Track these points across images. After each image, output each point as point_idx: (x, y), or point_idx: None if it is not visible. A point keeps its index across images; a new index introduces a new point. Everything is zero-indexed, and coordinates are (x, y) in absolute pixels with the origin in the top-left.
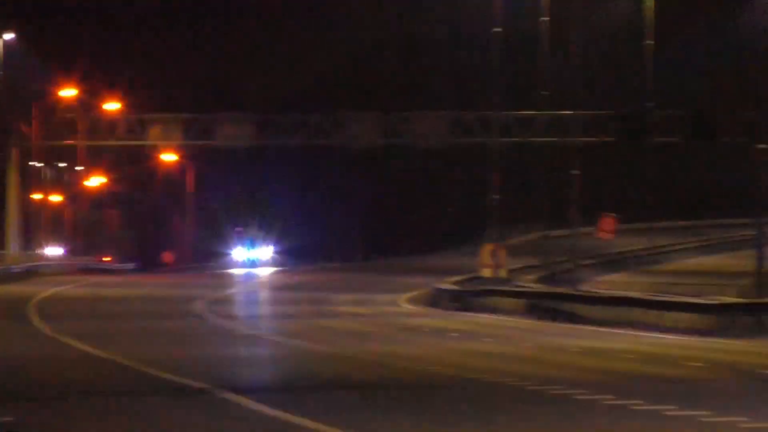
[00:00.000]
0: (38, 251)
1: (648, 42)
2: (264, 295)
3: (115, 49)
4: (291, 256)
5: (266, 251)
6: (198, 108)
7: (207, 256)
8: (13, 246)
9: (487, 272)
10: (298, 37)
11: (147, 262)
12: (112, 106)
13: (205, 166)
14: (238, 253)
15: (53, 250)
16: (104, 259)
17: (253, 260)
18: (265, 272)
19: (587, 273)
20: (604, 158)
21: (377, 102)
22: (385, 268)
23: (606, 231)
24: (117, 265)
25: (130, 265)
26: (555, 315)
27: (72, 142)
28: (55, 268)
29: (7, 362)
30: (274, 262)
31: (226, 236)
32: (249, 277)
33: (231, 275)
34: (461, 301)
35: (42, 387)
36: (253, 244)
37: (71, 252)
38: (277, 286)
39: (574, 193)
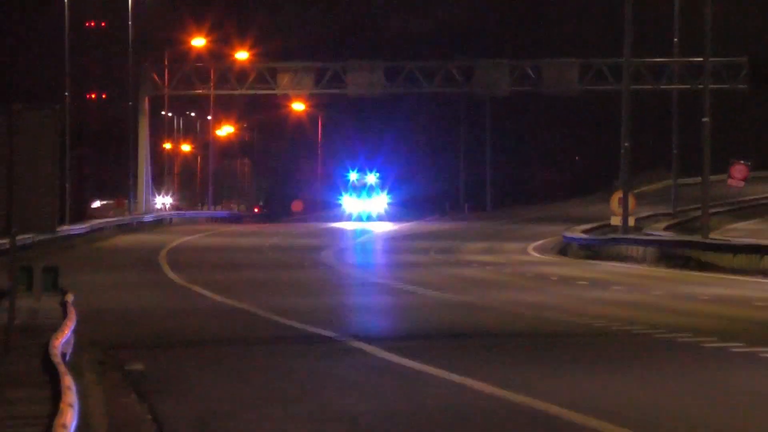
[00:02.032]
0: (154, 201)
1: None
2: (392, 244)
3: None
4: (407, 207)
5: (380, 202)
6: (328, 54)
7: (321, 206)
8: (145, 195)
9: (616, 220)
10: None
11: (275, 210)
12: (242, 55)
13: (335, 114)
14: (350, 204)
15: (165, 200)
16: (236, 208)
17: (366, 213)
18: (378, 227)
19: (717, 221)
20: (736, 105)
21: (507, 48)
22: (514, 216)
23: (737, 178)
24: (245, 214)
25: (258, 214)
26: (685, 263)
27: (202, 91)
28: (185, 218)
29: (140, 312)
30: (387, 216)
31: (341, 186)
32: (361, 233)
33: (335, 229)
34: (590, 249)
35: (174, 336)
36: (367, 193)
37: (189, 202)
38: (405, 236)
39: (705, 140)
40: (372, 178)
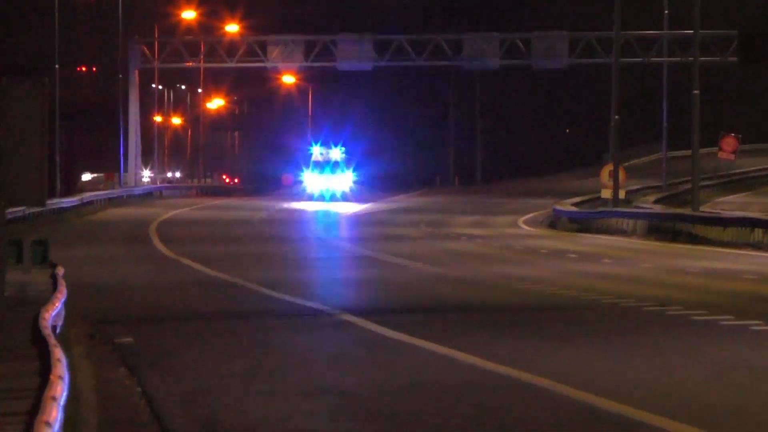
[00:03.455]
0: (141, 174)
1: None
2: (383, 217)
3: None
4: (384, 184)
5: (344, 180)
6: (318, 27)
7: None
8: (134, 169)
9: (606, 193)
10: None
11: (265, 184)
12: (232, 28)
13: (324, 87)
14: (312, 181)
15: (144, 173)
16: (226, 180)
17: (330, 192)
18: (343, 208)
19: (708, 194)
20: (726, 78)
21: (496, 21)
22: (504, 190)
23: (727, 151)
24: (235, 187)
25: (249, 188)
26: (675, 236)
27: (192, 64)
28: (175, 191)
29: (130, 285)
30: (353, 196)
31: (303, 161)
32: (324, 215)
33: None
34: (580, 222)
35: (163, 310)
36: (331, 169)
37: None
38: (395, 209)
39: (695, 113)
40: (336, 153)
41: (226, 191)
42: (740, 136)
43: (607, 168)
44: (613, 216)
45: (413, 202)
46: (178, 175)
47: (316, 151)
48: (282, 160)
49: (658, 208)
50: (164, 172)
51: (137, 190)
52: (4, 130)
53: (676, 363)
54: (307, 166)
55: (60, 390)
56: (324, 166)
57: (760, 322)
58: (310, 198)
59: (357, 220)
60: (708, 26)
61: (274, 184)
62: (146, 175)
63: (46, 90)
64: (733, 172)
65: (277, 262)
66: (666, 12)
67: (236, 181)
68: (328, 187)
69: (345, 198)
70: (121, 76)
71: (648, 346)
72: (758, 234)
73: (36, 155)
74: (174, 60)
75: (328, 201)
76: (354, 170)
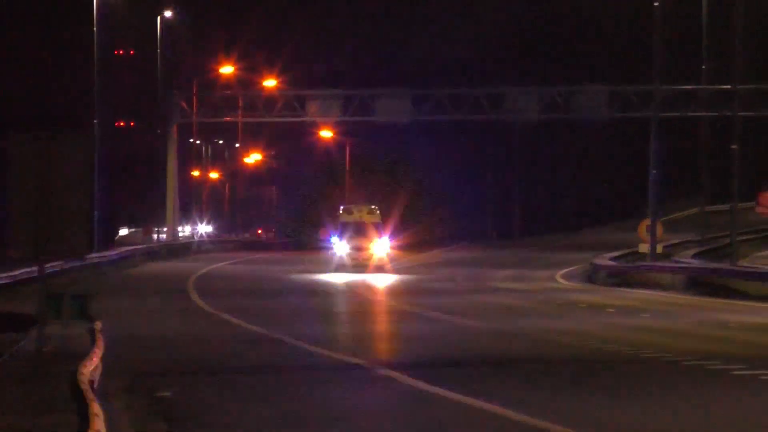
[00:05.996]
0: (195, 230)
1: None
2: (420, 271)
3: (272, 25)
4: (415, 239)
5: (382, 245)
6: (355, 82)
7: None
8: (173, 223)
9: (644, 248)
10: (457, 9)
11: (303, 238)
12: (270, 82)
13: (362, 141)
14: (341, 247)
15: (205, 228)
16: (259, 234)
17: (365, 260)
18: (379, 281)
19: (747, 248)
20: (766, 132)
21: (535, 75)
22: (542, 243)
23: (765, 206)
24: (273, 241)
25: (285, 242)
26: (713, 290)
27: (230, 119)
28: (212, 245)
29: (168, 339)
30: (391, 262)
31: (330, 224)
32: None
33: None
34: (618, 276)
35: (202, 363)
36: (365, 232)
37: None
38: (432, 264)
39: (735, 167)
40: (372, 214)
41: (265, 246)
42: None
43: (645, 222)
44: (652, 270)
45: (451, 256)
46: (210, 229)
47: (346, 213)
48: (319, 214)
49: (696, 263)
50: (200, 226)
51: (175, 244)
52: (47, 184)
53: (716, 418)
54: (336, 230)
55: None
56: (356, 228)
57: None
58: (340, 267)
59: (393, 275)
60: (748, 80)
61: (312, 239)
62: (208, 230)
63: (89, 144)
64: None
65: (315, 315)
66: (704, 66)
67: (270, 233)
68: (360, 253)
69: (381, 269)
70: (159, 131)
71: (686, 400)
72: None
73: (78, 208)
74: (212, 114)
75: (362, 270)
76: (390, 233)
